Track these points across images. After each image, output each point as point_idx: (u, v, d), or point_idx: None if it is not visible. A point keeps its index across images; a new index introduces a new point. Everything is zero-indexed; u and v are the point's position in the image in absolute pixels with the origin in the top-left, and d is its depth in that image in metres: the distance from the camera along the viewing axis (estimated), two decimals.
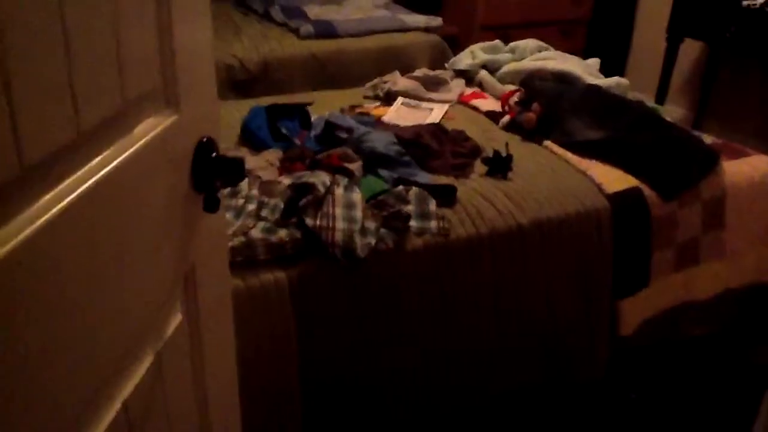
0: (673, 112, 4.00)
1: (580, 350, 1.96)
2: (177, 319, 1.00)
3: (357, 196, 1.66)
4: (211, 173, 1.03)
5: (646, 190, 1.94)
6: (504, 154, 1.93)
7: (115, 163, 0.76)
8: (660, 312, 2.05)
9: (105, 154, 0.77)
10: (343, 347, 1.63)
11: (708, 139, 2.22)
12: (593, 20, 4.58)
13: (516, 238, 1.79)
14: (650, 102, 2.88)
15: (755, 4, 3.34)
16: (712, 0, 3.54)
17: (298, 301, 1.55)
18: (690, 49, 4.05)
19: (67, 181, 0.68)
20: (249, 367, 1.47)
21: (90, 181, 0.71)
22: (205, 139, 1.02)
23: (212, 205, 0.99)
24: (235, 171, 1.04)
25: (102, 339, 0.74)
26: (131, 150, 0.81)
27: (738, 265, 2.15)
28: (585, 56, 3.69)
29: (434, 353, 1.76)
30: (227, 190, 1.66)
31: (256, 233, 1.55)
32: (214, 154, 1.03)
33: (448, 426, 1.89)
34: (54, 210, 0.64)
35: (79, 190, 0.69)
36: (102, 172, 0.73)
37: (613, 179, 1.95)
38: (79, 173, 0.71)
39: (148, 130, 0.86)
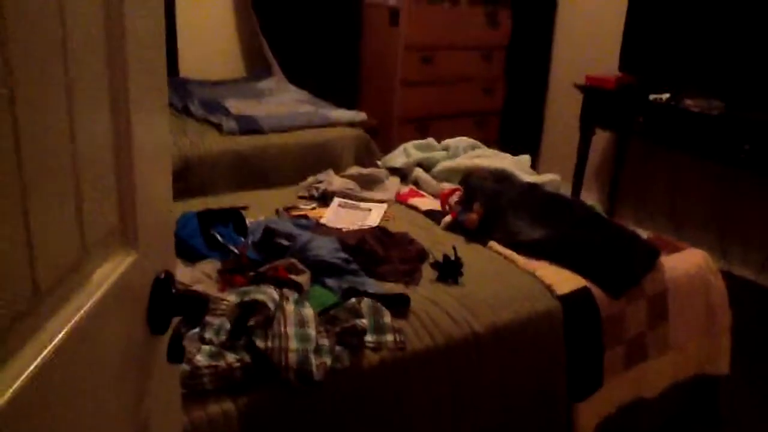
0: (588, 200, 4.12)
1: None
2: None
3: (309, 311, 1.55)
4: (169, 312, 0.91)
5: (594, 290, 1.93)
6: (453, 258, 1.88)
7: (71, 324, 0.65)
8: (615, 411, 2.00)
9: (61, 314, 0.65)
10: None
11: (644, 234, 2.26)
12: (505, 110, 4.74)
13: (472, 346, 1.72)
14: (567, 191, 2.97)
15: (661, 99, 3.53)
16: (622, 93, 3.73)
17: None
18: (599, 139, 4.23)
19: (21, 353, 0.57)
20: None
21: (45, 351, 0.60)
22: (162, 275, 0.90)
23: (177, 355, 0.87)
24: (196, 309, 0.92)
25: None
26: (89, 304, 0.70)
27: (682, 358, 2.15)
28: (499, 145, 3.78)
29: None
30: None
31: (200, 359, 1.41)
32: (173, 290, 0.92)
33: None
34: (8, 392, 0.53)
35: (36, 363, 0.58)
36: (58, 338, 0.63)
37: (562, 280, 1.92)
38: (34, 342, 0.60)
39: (106, 275, 0.76)
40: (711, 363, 2.23)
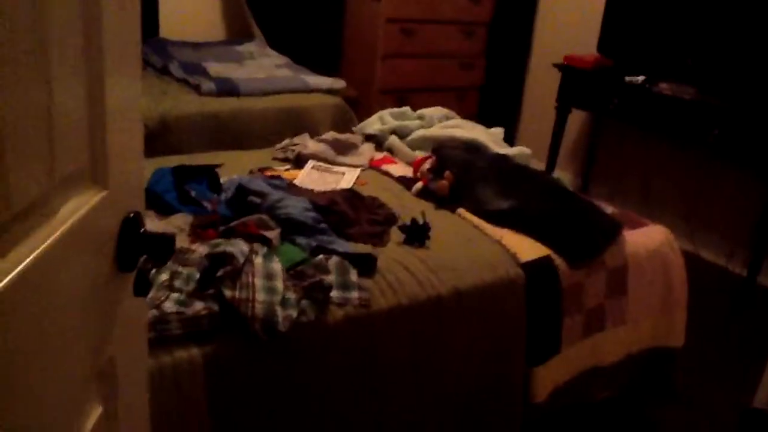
0: (562, 177, 4.19)
1: (495, 419, 1.95)
2: (96, 413, 0.90)
3: (277, 266, 1.59)
4: (137, 251, 0.95)
5: (556, 259, 1.99)
6: (421, 222, 1.93)
7: (36, 253, 0.67)
8: (570, 378, 2.08)
9: (26, 243, 0.67)
10: (261, 429, 1.53)
11: (608, 209, 2.32)
12: (485, 86, 4.78)
13: (435, 307, 1.78)
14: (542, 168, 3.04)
15: (636, 81, 3.59)
16: (598, 75, 3.78)
17: (213, 381, 1.45)
18: (575, 119, 4.29)
19: None
20: None
21: (9, 276, 0.62)
22: (131, 215, 0.94)
23: (143, 289, 0.90)
24: (163, 248, 0.96)
25: None
26: (57, 234, 0.72)
27: (637, 332, 2.23)
28: (478, 120, 3.84)
29: (356, 426, 1.69)
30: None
31: (169, 306, 1.44)
32: (141, 230, 0.95)
33: None
34: None
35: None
36: (22, 266, 0.64)
37: (526, 248, 1.98)
38: None
39: (74, 210, 0.78)
40: (666, 337, 2.31)
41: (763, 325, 3.11)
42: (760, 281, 3.38)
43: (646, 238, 2.24)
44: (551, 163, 4.19)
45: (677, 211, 3.91)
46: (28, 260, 0.64)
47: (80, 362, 0.82)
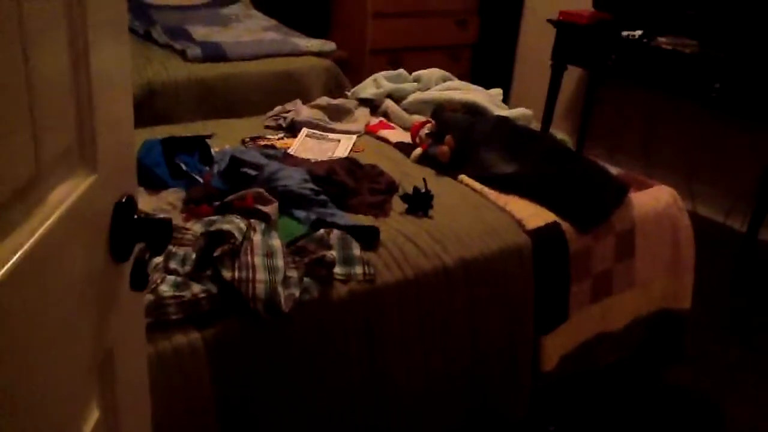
0: (557, 136, 4.10)
1: (505, 389, 1.91)
2: (93, 416, 0.84)
3: (276, 242, 1.52)
4: (132, 239, 0.87)
5: (564, 225, 1.92)
6: (423, 190, 1.86)
7: (27, 246, 0.61)
8: (579, 344, 2.04)
9: (15, 234, 0.61)
10: (267, 411, 1.48)
11: (614, 170, 2.25)
12: (478, 45, 4.67)
13: (442, 279, 1.71)
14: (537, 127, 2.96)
15: (634, 36, 3.49)
16: (594, 30, 3.68)
17: (216, 365, 1.39)
18: (570, 76, 4.19)
19: None
20: None
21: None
22: (124, 199, 0.86)
23: (140, 282, 0.83)
24: (160, 235, 0.88)
25: None
26: (47, 224, 0.65)
27: (646, 294, 2.18)
28: (471, 80, 3.75)
29: (363, 404, 1.64)
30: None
31: (165, 289, 1.37)
32: (135, 216, 0.88)
33: None
34: None
35: None
36: (13, 260, 0.58)
37: (532, 214, 1.91)
38: None
39: (64, 196, 0.71)
40: (674, 298, 2.26)
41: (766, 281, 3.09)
42: (761, 236, 3.34)
43: (653, 199, 2.17)
44: (546, 123, 4.10)
45: (677, 168, 3.85)
46: (17, 255, 0.58)
47: (77, 358, 0.76)
